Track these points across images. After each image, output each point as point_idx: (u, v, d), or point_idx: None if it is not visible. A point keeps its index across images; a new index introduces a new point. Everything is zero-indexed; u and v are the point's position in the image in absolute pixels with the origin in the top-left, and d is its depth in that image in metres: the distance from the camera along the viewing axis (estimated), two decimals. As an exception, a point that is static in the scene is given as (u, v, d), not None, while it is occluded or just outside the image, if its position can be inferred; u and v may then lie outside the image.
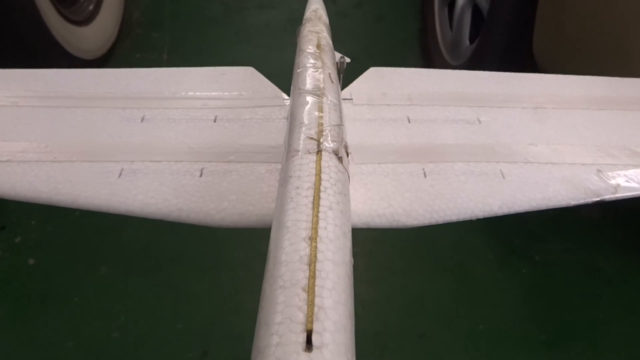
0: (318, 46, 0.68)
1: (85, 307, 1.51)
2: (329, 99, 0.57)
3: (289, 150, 0.50)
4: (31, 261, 1.63)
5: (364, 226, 0.59)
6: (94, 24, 2.10)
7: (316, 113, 0.54)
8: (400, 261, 1.63)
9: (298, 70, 0.63)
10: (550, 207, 0.62)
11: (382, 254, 1.64)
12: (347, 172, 0.49)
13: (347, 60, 0.76)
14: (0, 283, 1.57)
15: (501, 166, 0.65)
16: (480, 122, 0.73)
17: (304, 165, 0.46)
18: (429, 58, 2.20)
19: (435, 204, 0.60)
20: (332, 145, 0.49)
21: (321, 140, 0.49)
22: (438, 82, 0.81)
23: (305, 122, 0.52)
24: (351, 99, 0.75)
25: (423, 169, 0.64)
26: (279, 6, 2.49)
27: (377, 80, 0.79)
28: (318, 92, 0.57)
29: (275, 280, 0.37)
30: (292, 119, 0.55)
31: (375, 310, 1.50)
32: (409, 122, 0.72)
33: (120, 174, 0.62)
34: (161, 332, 1.45)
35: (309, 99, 0.56)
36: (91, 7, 2.11)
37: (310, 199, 0.42)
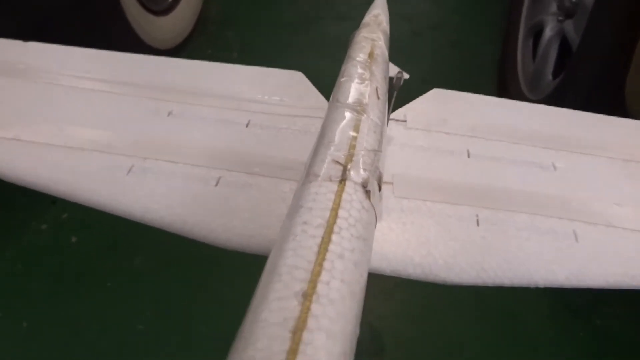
0: (370, 55, 0.57)
1: (116, 294, 1.48)
2: (371, 117, 0.46)
3: (307, 173, 0.40)
4: (73, 239, 1.62)
5: (392, 274, 0.48)
6: (171, 16, 2.10)
7: (350, 132, 0.43)
8: (442, 298, 1.49)
9: (342, 80, 0.53)
10: (631, 288, 0.49)
11: (423, 288, 1.50)
12: (375, 211, 0.38)
13: (405, 76, 0.65)
14: (41, 256, 1.56)
15: (575, 226, 0.52)
16: (555, 168, 0.60)
17: (320, 195, 0.36)
18: (505, 89, 2.05)
19: (485, 261, 0.48)
20: (361, 174, 0.39)
21: (349, 166, 0.39)
22: (510, 115, 0.68)
23: (335, 141, 0.42)
24: (405, 121, 0.64)
25: (477, 215, 0.52)
26: (357, 18, 2.41)
27: (438, 103, 0.68)
28: (358, 108, 0.47)
29: (246, 345, 0.27)
30: (321, 136, 0.45)
31: (412, 349, 1.37)
32: (469, 156, 0.60)
33: (129, 171, 0.54)
34: (185, 333, 1.39)
35: (347, 114, 0.46)
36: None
37: (318, 240, 0.32)
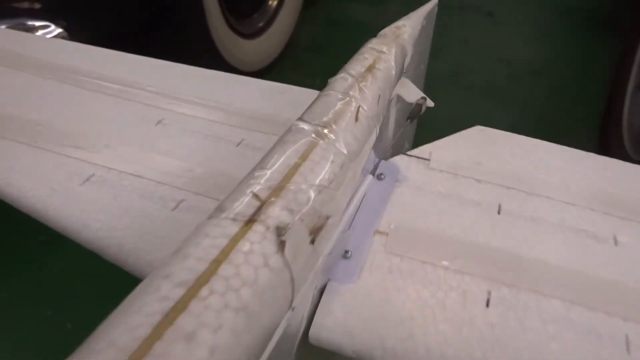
0: (369, 69, 0.46)
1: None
2: (335, 144, 0.35)
3: (218, 206, 0.29)
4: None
5: (354, 356, 0.36)
6: (259, 40, 2.10)
7: (295, 159, 0.32)
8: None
9: (321, 94, 0.42)
10: None
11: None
12: (292, 273, 0.27)
13: (429, 104, 0.53)
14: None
15: (630, 329, 0.37)
16: (617, 242, 0.44)
17: (210, 238, 0.25)
18: (606, 146, 1.81)
19: (486, 358, 0.35)
20: (281, 216, 0.28)
21: (269, 201, 0.28)
22: (567, 166, 0.53)
23: (271, 167, 0.31)
24: (428, 160, 0.52)
25: (489, 293, 0.39)
26: (444, 57, 2.28)
27: (476, 143, 0.55)
28: (320, 130, 0.36)
29: None
30: (261, 160, 0.34)
31: None
32: (499, 212, 0.47)
33: (86, 180, 0.47)
34: None
35: (300, 135, 0.35)
36: (262, 24, 2.12)
37: (167, 305, 0.21)
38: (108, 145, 0.51)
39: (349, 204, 0.40)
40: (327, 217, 0.32)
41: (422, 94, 0.53)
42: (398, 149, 0.66)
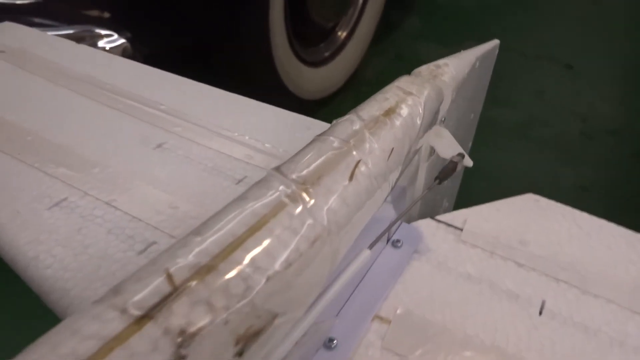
0: (387, 113, 0.37)
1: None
2: (311, 210, 0.26)
3: (116, 286, 0.21)
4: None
5: None
6: (323, 69, 2.06)
7: (245, 227, 0.24)
8: None
9: (315, 137, 0.34)
10: None
11: None
12: None
13: (468, 163, 0.43)
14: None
15: None
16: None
17: (76, 338, 0.17)
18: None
19: None
20: (192, 314, 0.19)
21: (184, 287, 0.20)
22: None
23: (209, 232, 0.23)
24: (460, 230, 0.42)
25: None
26: (514, 106, 2.14)
27: (526, 215, 0.44)
28: (295, 186, 0.27)
29: None
30: (208, 219, 0.26)
31: None
32: (541, 312, 0.36)
33: (55, 205, 0.41)
34: None
35: (267, 191, 0.27)
36: (328, 53, 2.08)
37: None
38: (95, 166, 0.45)
39: (337, 278, 0.31)
40: (274, 317, 0.23)
41: (461, 150, 0.43)
42: (433, 209, 0.57)
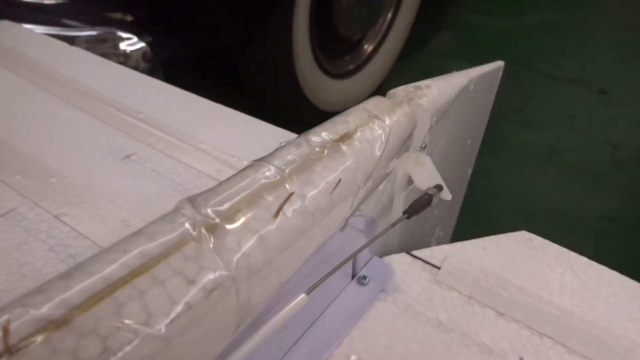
0: (342, 139, 0.33)
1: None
2: (218, 252, 0.23)
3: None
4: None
5: None
6: (347, 81, 2.03)
7: (127, 269, 0.21)
8: None
9: (251, 162, 0.30)
10: None
11: None
12: None
13: (445, 197, 0.39)
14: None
15: None
16: None
17: None
18: None
19: None
20: None
21: (25, 344, 0.17)
22: None
23: (80, 276, 0.20)
24: (438, 269, 0.38)
25: None
26: (542, 130, 2.06)
27: (515, 255, 0.40)
28: (206, 221, 0.24)
29: None
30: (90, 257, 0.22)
31: None
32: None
33: (0, 216, 0.38)
34: None
35: (170, 225, 0.23)
36: (352, 66, 2.05)
37: None
38: (53, 176, 0.43)
39: (256, 331, 0.26)
40: None
41: (440, 181, 0.39)
42: (421, 240, 0.52)
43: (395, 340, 0.33)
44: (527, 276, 0.39)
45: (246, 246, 0.25)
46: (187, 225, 0.24)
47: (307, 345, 0.32)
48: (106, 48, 1.40)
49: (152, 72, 1.47)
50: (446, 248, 0.40)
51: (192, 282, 0.22)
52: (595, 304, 0.38)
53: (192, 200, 0.26)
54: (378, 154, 0.35)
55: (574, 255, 0.42)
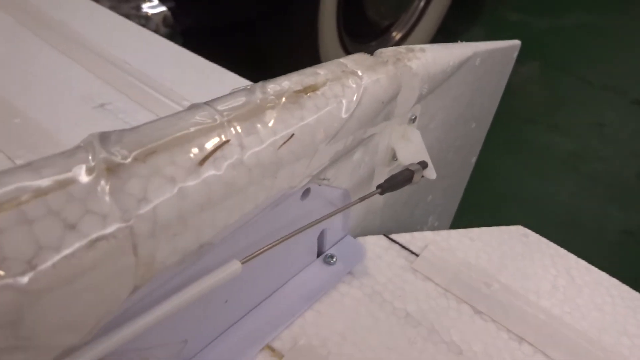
0: (305, 90, 0.29)
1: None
2: (101, 205, 0.19)
3: None
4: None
5: None
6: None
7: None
8: None
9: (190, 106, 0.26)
10: None
11: None
12: None
13: (430, 175, 0.34)
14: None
15: None
16: None
17: None
18: None
19: None
20: None
21: None
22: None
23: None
24: (416, 256, 0.34)
25: None
26: (569, 135, 1.98)
27: (507, 250, 0.35)
28: (92, 167, 0.20)
29: None
30: None
31: None
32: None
33: None
34: None
35: (45, 178, 0.20)
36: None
37: None
38: (17, 117, 0.40)
39: (169, 299, 0.22)
40: None
41: (426, 158, 0.35)
42: (410, 225, 0.48)
43: (353, 328, 0.29)
44: (515, 274, 0.35)
45: (154, 194, 0.22)
46: (87, 162, 0.21)
47: (252, 324, 0.28)
48: (128, 8, 1.37)
49: (171, 38, 1.45)
50: (430, 235, 0.36)
51: (71, 226, 0.19)
52: (588, 313, 0.33)
53: (104, 136, 0.23)
54: (346, 114, 0.31)
55: (572, 257, 0.38)
